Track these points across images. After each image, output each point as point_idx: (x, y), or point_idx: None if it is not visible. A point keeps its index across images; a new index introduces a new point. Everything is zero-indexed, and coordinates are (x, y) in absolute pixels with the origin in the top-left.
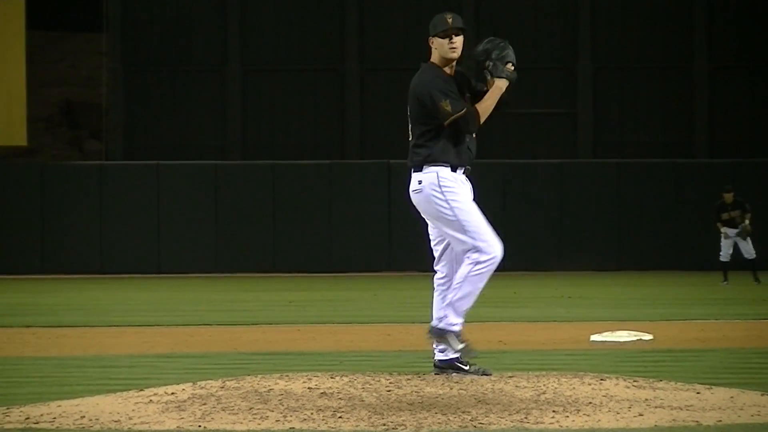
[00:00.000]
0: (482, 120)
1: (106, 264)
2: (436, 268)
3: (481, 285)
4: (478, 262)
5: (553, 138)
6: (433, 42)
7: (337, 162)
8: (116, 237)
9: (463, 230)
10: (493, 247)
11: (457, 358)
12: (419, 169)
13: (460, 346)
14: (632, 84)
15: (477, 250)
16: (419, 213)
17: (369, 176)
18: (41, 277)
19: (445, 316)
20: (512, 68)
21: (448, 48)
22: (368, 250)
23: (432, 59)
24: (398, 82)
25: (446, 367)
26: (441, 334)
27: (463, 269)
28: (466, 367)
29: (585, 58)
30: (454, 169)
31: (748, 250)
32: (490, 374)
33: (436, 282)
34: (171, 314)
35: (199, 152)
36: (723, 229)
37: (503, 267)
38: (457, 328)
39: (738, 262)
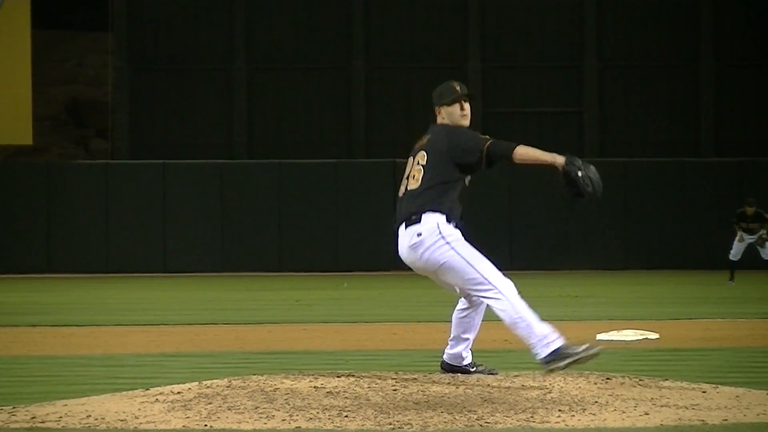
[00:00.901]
0: (519, 157)
1: (112, 263)
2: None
3: (522, 309)
4: (500, 300)
5: (560, 136)
6: (440, 111)
7: (343, 161)
8: (122, 236)
9: (473, 270)
10: (503, 284)
11: (560, 347)
12: (416, 221)
13: (581, 349)
14: (638, 82)
15: (492, 289)
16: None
17: (375, 175)
18: (47, 276)
19: (536, 345)
20: (582, 176)
21: (459, 115)
22: (374, 248)
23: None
24: (404, 81)
25: (552, 360)
26: (554, 359)
27: (501, 315)
28: (472, 369)
29: (591, 56)
30: (449, 221)
31: (766, 252)
32: (496, 373)
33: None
34: (177, 313)
35: (205, 151)
36: (740, 233)
37: (509, 266)
38: (558, 343)
39: (750, 262)
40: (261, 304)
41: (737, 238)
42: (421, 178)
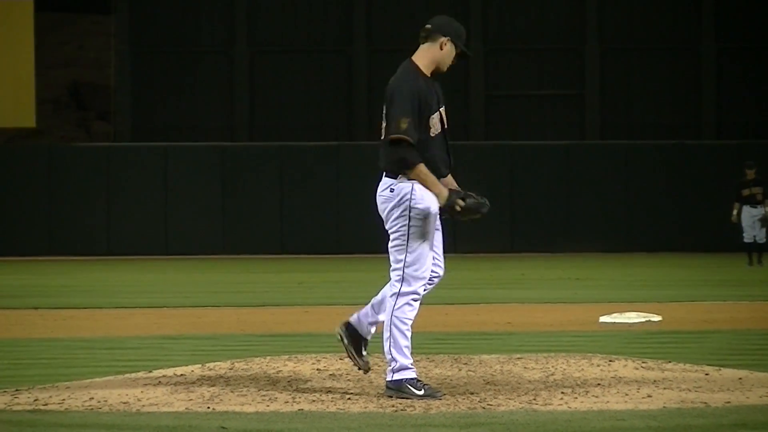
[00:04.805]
0: (412, 173)
1: (114, 245)
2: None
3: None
4: (399, 295)
5: (561, 119)
6: (445, 44)
7: (345, 143)
8: (124, 218)
9: (399, 264)
10: (414, 286)
11: (408, 379)
12: (392, 176)
13: (421, 392)
14: (640, 65)
15: (401, 280)
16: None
17: (376, 157)
18: (49, 259)
19: (392, 363)
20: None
21: (450, 60)
22: (376, 230)
23: (417, 58)
24: None
25: (395, 389)
26: (399, 387)
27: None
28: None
29: (593, 39)
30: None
31: (760, 235)
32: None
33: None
34: (179, 296)
35: (206, 134)
36: (736, 208)
37: (511, 248)
38: (412, 374)
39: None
40: (263, 287)
41: (733, 216)
42: (383, 129)
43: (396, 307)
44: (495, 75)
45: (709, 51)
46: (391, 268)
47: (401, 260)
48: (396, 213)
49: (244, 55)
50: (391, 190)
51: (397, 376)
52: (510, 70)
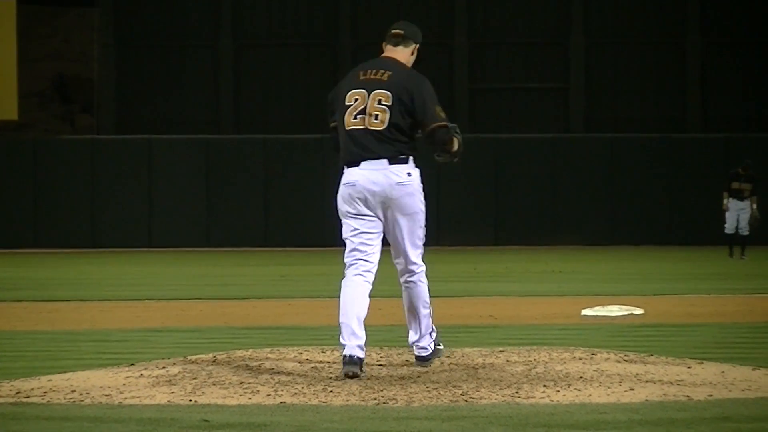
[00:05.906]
0: (456, 142)
1: (98, 238)
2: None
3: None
4: (424, 276)
5: (546, 113)
6: (415, 51)
7: (329, 136)
8: (108, 211)
9: (419, 240)
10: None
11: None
12: (404, 161)
13: (441, 347)
14: (625, 59)
15: (421, 265)
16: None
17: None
18: (33, 252)
19: (422, 338)
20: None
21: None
22: None
23: (403, 60)
24: None
25: (430, 358)
26: (430, 358)
27: (420, 292)
28: (441, 347)
29: (578, 32)
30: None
31: (743, 227)
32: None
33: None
34: (162, 288)
35: (191, 127)
36: (726, 201)
37: (495, 242)
38: (434, 345)
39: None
40: (246, 280)
41: (725, 204)
42: (387, 120)
43: (425, 285)
44: (480, 69)
45: (694, 44)
46: (414, 254)
47: (422, 239)
48: (416, 197)
49: (228, 48)
50: (409, 175)
51: (428, 354)
52: (495, 64)
